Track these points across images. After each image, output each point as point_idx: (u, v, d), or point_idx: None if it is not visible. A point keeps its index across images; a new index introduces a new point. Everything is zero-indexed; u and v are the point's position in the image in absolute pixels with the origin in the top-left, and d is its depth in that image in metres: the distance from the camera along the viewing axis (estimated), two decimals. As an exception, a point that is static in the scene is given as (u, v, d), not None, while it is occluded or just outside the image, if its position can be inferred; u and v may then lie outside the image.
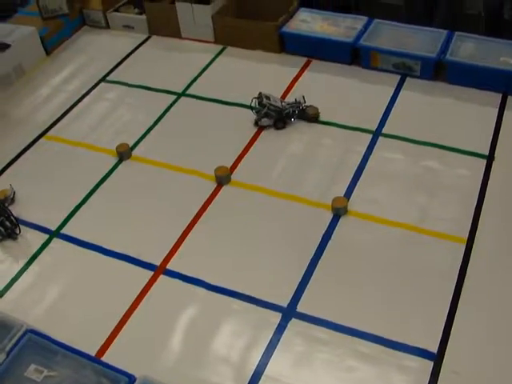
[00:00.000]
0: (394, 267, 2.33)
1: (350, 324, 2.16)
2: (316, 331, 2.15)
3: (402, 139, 2.87)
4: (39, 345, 2.14)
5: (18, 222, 2.66)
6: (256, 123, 3.01)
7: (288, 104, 2.96)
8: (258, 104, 2.96)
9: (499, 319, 2.13)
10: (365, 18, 3.52)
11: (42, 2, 3.91)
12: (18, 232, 2.65)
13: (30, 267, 2.53)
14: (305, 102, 2.98)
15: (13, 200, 2.83)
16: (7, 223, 2.66)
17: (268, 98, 2.94)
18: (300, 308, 2.21)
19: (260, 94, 2.94)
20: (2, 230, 2.66)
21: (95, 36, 4.01)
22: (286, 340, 2.13)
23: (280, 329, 2.16)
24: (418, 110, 3.04)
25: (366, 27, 3.45)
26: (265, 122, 2.98)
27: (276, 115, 2.95)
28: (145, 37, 3.90)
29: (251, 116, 3.10)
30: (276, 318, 2.19)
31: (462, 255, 2.33)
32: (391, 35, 3.39)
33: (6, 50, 3.58)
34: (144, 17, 3.90)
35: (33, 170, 3.01)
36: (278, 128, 2.97)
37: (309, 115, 2.99)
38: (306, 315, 2.19)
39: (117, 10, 4.01)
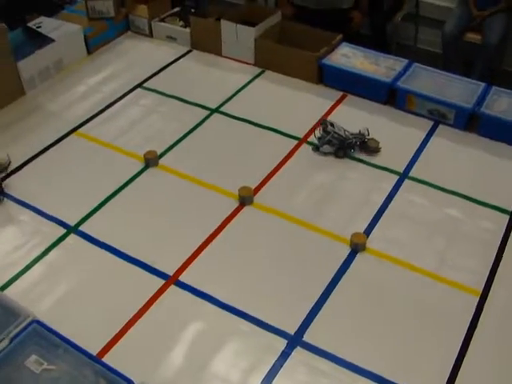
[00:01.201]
0: (405, 310, 2.32)
1: (354, 360, 2.14)
2: (319, 362, 2.13)
3: (427, 184, 2.87)
4: (43, 336, 2.14)
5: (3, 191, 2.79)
6: (317, 149, 3.03)
7: (352, 134, 2.98)
8: (323, 130, 2.97)
9: (505, 375, 2.11)
10: (405, 61, 3.54)
11: (91, 2, 3.97)
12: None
13: (43, 259, 2.54)
14: (368, 135, 3.00)
15: (6, 169, 2.93)
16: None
17: (332, 125, 2.95)
18: (306, 337, 2.20)
19: (325, 120, 2.96)
20: None
21: (137, 42, 4.06)
22: (289, 367, 2.11)
23: (284, 355, 2.14)
24: (447, 157, 3.04)
25: (405, 70, 3.47)
26: (326, 148, 3.00)
27: (338, 144, 2.96)
28: (186, 50, 3.94)
29: (280, 141, 3.13)
30: (281, 344, 2.18)
31: (475, 308, 2.31)
32: (429, 81, 3.41)
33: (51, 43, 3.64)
34: (188, 30, 3.94)
35: (59, 163, 3.04)
36: (338, 156, 2.98)
37: (370, 148, 3.00)
38: (311, 345, 2.17)
39: (162, 20, 4.06)
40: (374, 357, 2.16)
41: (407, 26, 5.56)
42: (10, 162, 2.94)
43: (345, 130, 2.99)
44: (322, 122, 2.98)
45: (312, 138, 3.11)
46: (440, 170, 2.96)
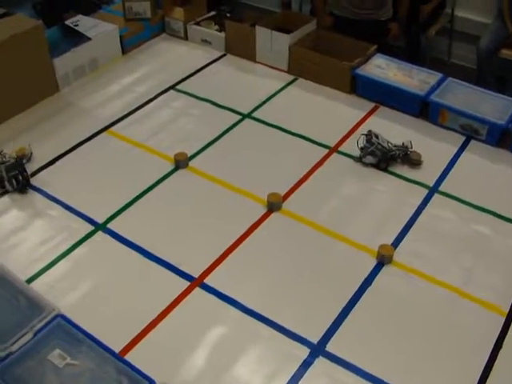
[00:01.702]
0: (428, 325, 2.30)
1: (375, 373, 2.12)
2: (340, 374, 2.12)
3: (457, 199, 2.85)
4: (67, 331, 2.15)
5: (28, 180, 2.85)
6: (360, 159, 3.02)
7: (395, 146, 2.97)
8: (367, 141, 2.96)
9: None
10: (439, 75, 3.52)
11: (128, 3, 4.00)
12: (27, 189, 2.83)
13: (70, 255, 2.56)
14: (411, 147, 2.98)
15: (29, 160, 2.97)
16: (20, 178, 2.80)
17: (377, 136, 2.94)
18: (329, 347, 2.18)
19: (370, 131, 2.95)
20: (15, 183, 2.79)
21: (172, 44, 4.08)
22: (310, 376, 2.10)
23: (306, 364, 2.13)
24: (478, 173, 3.01)
25: (439, 83, 3.44)
26: (368, 159, 2.99)
27: (381, 155, 2.95)
28: (220, 54, 3.96)
29: (310, 149, 3.12)
30: (304, 352, 2.17)
31: (501, 327, 2.28)
32: (462, 96, 3.38)
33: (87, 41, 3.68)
34: (223, 34, 3.96)
35: (90, 161, 3.07)
36: (380, 168, 2.97)
37: (412, 160, 2.99)
38: (334, 356, 2.16)
39: (197, 24, 4.08)
40: (395, 370, 2.14)
41: (441, 40, 5.54)
42: (31, 153, 2.99)
43: (388, 142, 2.99)
44: (367, 133, 2.97)
45: (346, 149, 3.12)
46: (470, 185, 2.94)
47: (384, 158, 2.98)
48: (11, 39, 3.20)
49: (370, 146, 2.97)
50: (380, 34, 4.33)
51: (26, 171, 2.84)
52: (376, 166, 3.00)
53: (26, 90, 3.36)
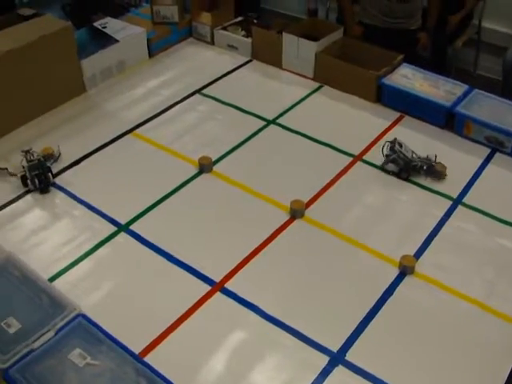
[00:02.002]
0: (450, 337, 2.28)
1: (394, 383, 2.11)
2: (359, 383, 2.11)
3: (480, 212, 2.83)
4: (88, 331, 2.16)
5: (49, 181, 2.87)
6: (382, 167, 3.02)
7: (418, 158, 2.96)
8: (390, 149, 2.96)
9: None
10: (465, 86, 3.50)
11: (156, 7, 4.03)
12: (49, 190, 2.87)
13: (93, 255, 2.57)
14: (435, 161, 2.96)
15: (56, 160, 3.01)
16: (43, 177, 2.82)
17: (401, 145, 2.94)
18: (349, 356, 2.18)
19: (395, 139, 2.94)
20: (37, 182, 2.82)
21: (199, 49, 4.10)
22: (329, 385, 2.10)
23: (325, 373, 2.13)
24: (503, 186, 2.99)
25: (465, 95, 3.43)
26: (390, 167, 2.99)
27: (403, 164, 2.94)
28: (246, 59, 3.97)
29: (334, 157, 3.12)
30: (323, 360, 2.16)
31: (523, 343, 2.27)
32: (489, 107, 3.36)
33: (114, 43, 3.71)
34: (250, 40, 3.97)
35: (115, 162, 3.09)
36: (401, 177, 2.96)
37: (437, 172, 2.97)
38: (353, 365, 2.15)
39: (224, 29, 4.10)
40: (414, 382, 2.13)
41: (467, 51, 5.52)
42: (59, 154, 3.02)
43: (413, 153, 2.97)
44: (392, 141, 2.97)
45: (371, 157, 3.12)
46: (494, 198, 2.92)
47: (406, 167, 2.96)
48: (41, 40, 3.23)
49: (393, 153, 2.97)
50: (409, 43, 4.32)
51: (49, 172, 2.87)
52: (397, 174, 2.99)
53: (53, 89, 3.39)
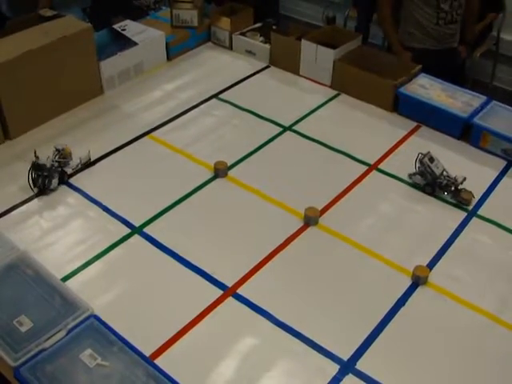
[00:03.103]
0: (462, 349, 2.27)
1: (405, 395, 2.11)
2: (369, 392, 2.11)
3: (495, 224, 2.81)
4: (99, 332, 2.17)
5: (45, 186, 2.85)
6: (409, 176, 3.01)
7: (446, 176, 2.92)
8: (420, 161, 2.93)
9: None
10: (483, 97, 3.49)
11: (176, 11, 4.05)
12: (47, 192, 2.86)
13: (105, 256, 2.58)
14: (461, 183, 2.91)
15: (85, 165, 3.03)
16: (46, 181, 2.84)
17: (432, 160, 2.90)
18: (359, 365, 2.17)
19: (428, 152, 2.90)
20: (39, 182, 2.84)
21: (217, 53, 4.12)
22: (339, 393, 2.10)
23: (335, 381, 2.12)
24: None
25: (482, 106, 3.42)
26: (417, 179, 2.97)
27: (429, 179, 2.91)
28: (264, 65, 3.97)
29: (349, 165, 3.12)
30: (333, 369, 2.16)
31: (536, 357, 2.25)
32: (506, 120, 3.34)
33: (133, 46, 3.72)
34: (268, 46, 3.97)
35: (130, 164, 3.10)
36: (425, 192, 2.93)
37: (461, 198, 2.90)
38: (364, 374, 2.14)
39: (243, 34, 4.11)
40: (426, 394, 2.12)
41: (485, 63, 5.51)
42: (89, 159, 3.04)
43: (443, 170, 2.92)
44: (424, 154, 2.91)
45: (386, 167, 3.13)
46: (509, 211, 2.90)
47: (431, 183, 2.92)
48: (61, 40, 3.26)
49: (421, 165, 2.93)
50: (456, 61, 4.22)
51: (46, 176, 2.84)
52: (422, 188, 2.95)
53: (71, 90, 3.41)
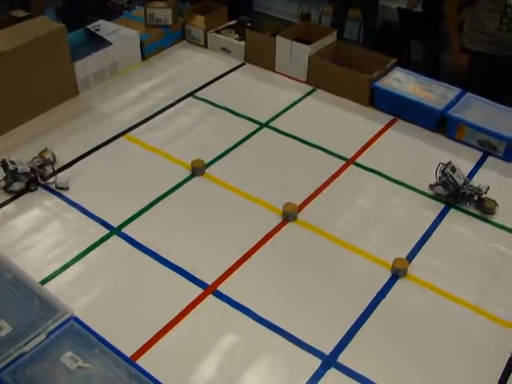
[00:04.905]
0: (442, 340, 2.29)
1: (387, 386, 2.11)
2: (352, 386, 2.12)
3: (474, 216, 2.83)
4: (80, 334, 2.15)
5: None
6: (431, 187, 2.96)
7: (470, 186, 2.87)
8: (441, 171, 2.87)
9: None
10: (458, 89, 3.51)
11: (150, 10, 4.03)
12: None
13: (84, 257, 2.57)
14: (485, 192, 2.88)
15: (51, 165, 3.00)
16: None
17: (454, 170, 2.85)
18: (341, 359, 2.18)
19: (449, 162, 2.86)
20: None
21: (192, 52, 4.10)
22: (322, 388, 2.10)
23: (317, 375, 2.13)
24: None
25: (457, 98, 3.44)
26: (439, 189, 2.91)
27: (452, 189, 2.87)
28: (239, 62, 3.97)
29: (327, 160, 3.13)
30: (315, 363, 2.16)
31: (516, 346, 2.27)
32: (481, 111, 3.37)
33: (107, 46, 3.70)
34: (243, 43, 3.97)
35: (107, 165, 3.08)
36: (448, 202, 2.88)
37: (485, 207, 2.85)
38: (346, 367, 2.15)
39: (218, 32, 4.10)
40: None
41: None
42: (54, 159, 3.03)
43: (466, 180, 2.89)
44: (446, 164, 2.86)
45: (363, 161, 3.13)
46: (487, 201, 2.92)
47: (453, 193, 2.87)
48: (34, 41, 3.23)
49: (443, 176, 2.88)
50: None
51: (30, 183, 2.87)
52: (445, 198, 2.90)
53: (46, 92, 3.38)
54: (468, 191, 2.87)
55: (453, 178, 2.85)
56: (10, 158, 2.85)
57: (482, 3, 3.83)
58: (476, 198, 2.88)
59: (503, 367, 2.19)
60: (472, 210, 2.86)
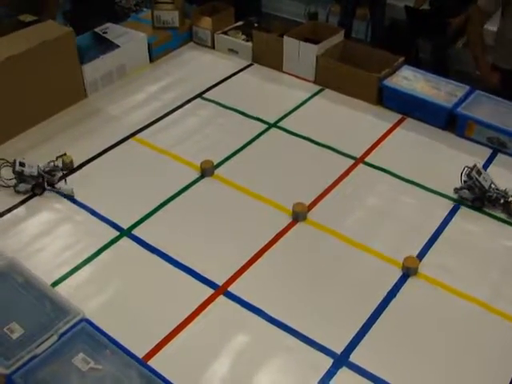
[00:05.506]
0: (454, 338, 2.28)
1: (399, 385, 2.11)
2: (364, 384, 2.11)
3: (484, 213, 2.82)
4: (91, 336, 2.16)
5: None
6: (456, 191, 2.92)
7: (496, 189, 2.83)
8: (467, 175, 2.84)
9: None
10: (467, 87, 3.50)
11: (157, 12, 4.04)
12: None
13: (95, 259, 2.57)
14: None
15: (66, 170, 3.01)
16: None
17: (479, 173, 2.82)
18: (353, 358, 2.17)
19: (474, 166, 2.83)
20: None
21: (199, 53, 4.11)
22: (333, 387, 2.10)
23: (329, 374, 2.12)
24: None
25: (466, 96, 3.43)
26: (464, 193, 2.87)
27: (478, 193, 2.82)
28: (247, 63, 3.97)
29: (336, 160, 3.12)
30: (327, 362, 2.16)
31: (529, 343, 2.26)
32: (490, 108, 3.36)
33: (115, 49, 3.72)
34: (250, 44, 3.97)
35: (116, 167, 3.09)
36: (474, 205, 2.85)
37: (511, 210, 2.81)
38: (357, 366, 2.14)
39: (225, 33, 4.10)
40: (418, 383, 2.13)
41: (468, 53, 5.51)
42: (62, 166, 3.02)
43: (492, 183, 2.84)
44: (471, 167, 2.83)
45: (372, 160, 3.13)
46: (497, 199, 2.91)
47: (480, 196, 2.83)
48: (42, 45, 3.25)
49: (469, 180, 2.84)
50: None
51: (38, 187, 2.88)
52: (471, 202, 2.86)
53: (54, 95, 3.39)
54: (494, 195, 2.82)
55: (479, 181, 2.81)
56: (23, 159, 2.86)
57: (508, 20, 3.78)
58: (502, 201, 2.83)
59: (516, 365, 2.18)
60: (498, 214, 2.83)
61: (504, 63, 3.91)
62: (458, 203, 2.86)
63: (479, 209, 2.84)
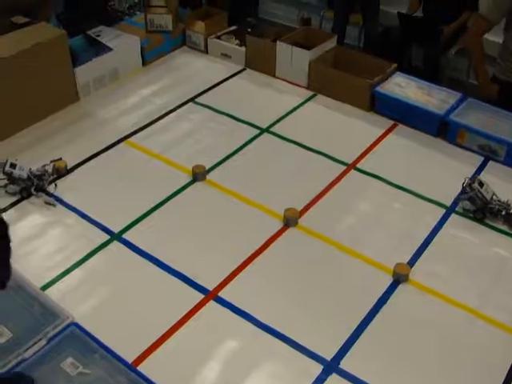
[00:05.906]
0: (444, 344, 2.28)
1: (389, 393, 2.10)
2: (354, 391, 2.11)
3: (475, 220, 2.82)
4: (80, 340, 2.16)
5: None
6: (456, 202, 2.90)
7: (498, 201, 2.82)
8: (469, 186, 2.83)
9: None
10: (459, 94, 3.52)
11: (150, 16, 4.03)
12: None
13: (85, 263, 2.56)
14: None
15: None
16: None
17: (482, 184, 2.80)
18: (343, 365, 2.17)
19: (476, 177, 2.83)
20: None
21: (192, 57, 4.11)
22: (323, 393, 2.09)
23: (319, 381, 2.12)
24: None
25: (458, 103, 3.44)
26: (466, 205, 2.87)
27: (479, 204, 2.81)
28: (240, 68, 3.97)
29: (328, 165, 3.12)
30: (317, 369, 2.15)
31: (517, 350, 2.26)
32: (482, 116, 3.37)
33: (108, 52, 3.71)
34: (243, 49, 3.97)
35: (108, 170, 3.08)
36: (476, 217, 2.84)
37: None
38: (347, 373, 2.14)
39: (218, 38, 4.10)
40: (410, 391, 2.13)
41: (460, 60, 5.53)
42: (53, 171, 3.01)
43: (493, 195, 2.84)
44: (475, 178, 2.82)
45: (364, 166, 3.13)
46: (488, 207, 2.91)
47: (481, 208, 2.82)
48: (35, 47, 3.24)
49: (471, 191, 2.82)
50: None
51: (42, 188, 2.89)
52: (472, 213, 2.85)
53: (46, 97, 3.38)
54: (496, 206, 2.82)
55: (481, 192, 2.80)
56: (16, 160, 2.85)
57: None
58: (504, 213, 2.82)
59: (506, 372, 2.18)
60: (500, 225, 2.82)
61: (506, 76, 3.90)
62: (449, 210, 2.87)
63: (480, 220, 2.84)
